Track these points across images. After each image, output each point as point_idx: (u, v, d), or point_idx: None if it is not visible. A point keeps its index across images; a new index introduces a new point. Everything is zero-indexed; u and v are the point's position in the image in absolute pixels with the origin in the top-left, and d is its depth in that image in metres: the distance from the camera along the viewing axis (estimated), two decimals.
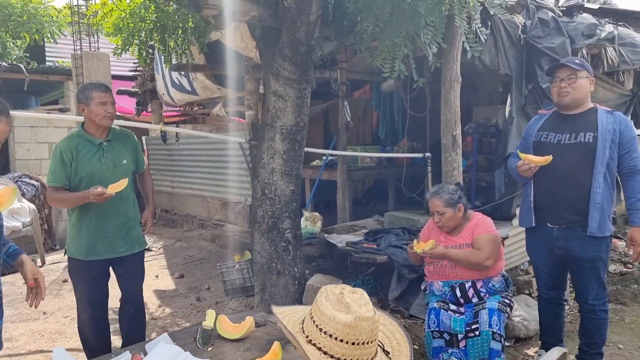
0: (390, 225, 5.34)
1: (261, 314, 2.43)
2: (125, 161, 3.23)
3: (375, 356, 1.40)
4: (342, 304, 1.40)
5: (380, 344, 1.46)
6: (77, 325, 3.28)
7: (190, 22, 4.86)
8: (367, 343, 1.38)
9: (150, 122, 8.73)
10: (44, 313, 4.61)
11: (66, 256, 3.20)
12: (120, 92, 9.48)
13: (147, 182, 3.59)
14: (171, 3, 4.73)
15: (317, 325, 1.39)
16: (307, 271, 4.54)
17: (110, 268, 3.24)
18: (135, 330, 3.31)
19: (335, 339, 1.35)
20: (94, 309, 3.17)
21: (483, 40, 4.11)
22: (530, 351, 3.64)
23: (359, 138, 9.35)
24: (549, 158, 2.93)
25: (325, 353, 1.36)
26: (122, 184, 2.99)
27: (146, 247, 3.43)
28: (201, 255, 6.53)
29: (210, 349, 2.03)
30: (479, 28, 3.86)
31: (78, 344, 3.94)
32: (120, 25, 5.14)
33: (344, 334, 1.35)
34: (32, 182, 6.96)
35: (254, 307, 4.44)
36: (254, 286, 4.64)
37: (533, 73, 4.88)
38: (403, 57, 4.02)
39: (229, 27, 4.37)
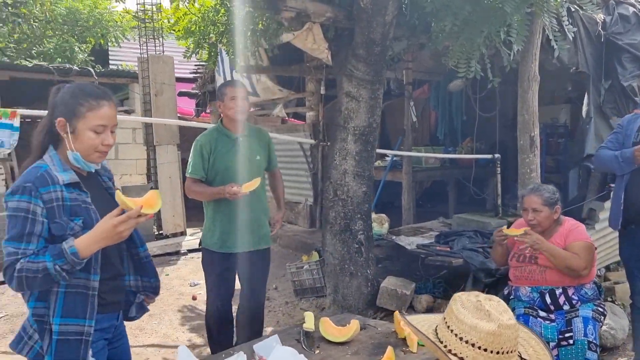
0: (458, 227, 5.24)
1: (359, 317, 2.42)
2: (258, 157, 3.28)
3: None
4: (482, 312, 1.36)
5: (518, 353, 1.42)
6: (205, 317, 3.37)
7: (260, 24, 4.93)
8: (510, 352, 1.34)
9: (209, 123, 8.89)
10: None
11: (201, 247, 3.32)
12: (180, 94, 9.71)
13: (278, 183, 3.55)
14: (242, 6, 4.80)
15: (456, 335, 1.36)
16: None
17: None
18: (253, 325, 3.35)
19: (479, 348, 1.32)
20: (222, 301, 3.25)
21: (570, 38, 3.98)
22: None
23: (416, 138, 9.25)
24: None
25: None
26: (255, 182, 3.03)
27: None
28: None
29: (317, 351, 2.03)
30: (565, 26, 3.73)
31: (158, 340, 4.06)
32: (192, 29, 5.27)
33: (488, 342, 1.32)
34: None
35: (325, 308, 4.44)
36: (324, 287, 4.65)
37: (612, 70, 4.70)
38: (479, 56, 3.95)
39: (302, 28, 4.38)
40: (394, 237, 5.12)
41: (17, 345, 1.69)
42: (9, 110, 4.76)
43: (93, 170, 1.78)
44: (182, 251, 6.94)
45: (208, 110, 9.47)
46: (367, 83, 4.19)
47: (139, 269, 1.91)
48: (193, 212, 8.18)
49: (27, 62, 8.70)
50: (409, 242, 4.92)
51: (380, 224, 5.26)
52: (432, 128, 9.03)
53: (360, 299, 4.24)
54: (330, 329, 2.13)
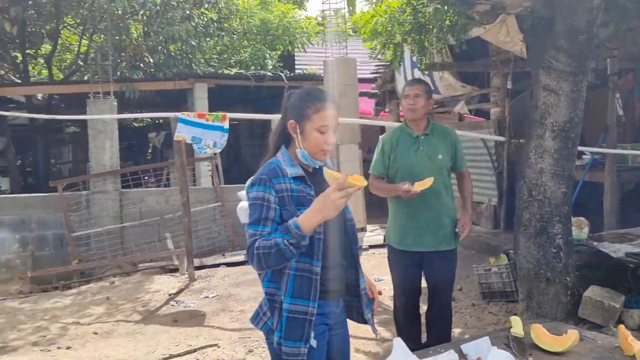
0: None
1: (575, 327, 2.25)
2: (440, 156, 3.23)
3: None
4: None
5: None
6: (393, 312, 3.52)
7: (447, 21, 4.84)
8: None
9: (388, 122, 9.02)
10: None
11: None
12: (360, 94, 10.02)
13: (466, 184, 3.42)
14: (430, 4, 4.76)
15: None
16: None
17: None
18: (440, 326, 3.36)
19: None
20: (406, 297, 3.34)
21: None
22: None
23: (620, 134, 8.29)
24: None
25: None
26: (428, 182, 2.98)
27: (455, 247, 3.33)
28: None
29: (530, 359, 1.94)
30: None
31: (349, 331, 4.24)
32: (379, 30, 5.40)
33: None
34: None
35: (516, 314, 4.22)
36: (515, 292, 4.43)
37: None
38: None
39: (495, 21, 4.21)
40: (595, 243, 4.65)
41: (254, 319, 1.92)
42: (220, 113, 5.40)
43: (317, 167, 1.94)
44: (364, 247, 7.15)
45: (387, 110, 9.61)
46: (569, 75, 3.87)
47: (355, 265, 2.03)
48: (372, 208, 8.40)
49: (228, 71, 9.75)
50: (615, 250, 4.43)
51: (578, 228, 4.81)
52: (637, 122, 8.00)
53: (559, 308, 3.93)
54: (544, 337, 2.01)
